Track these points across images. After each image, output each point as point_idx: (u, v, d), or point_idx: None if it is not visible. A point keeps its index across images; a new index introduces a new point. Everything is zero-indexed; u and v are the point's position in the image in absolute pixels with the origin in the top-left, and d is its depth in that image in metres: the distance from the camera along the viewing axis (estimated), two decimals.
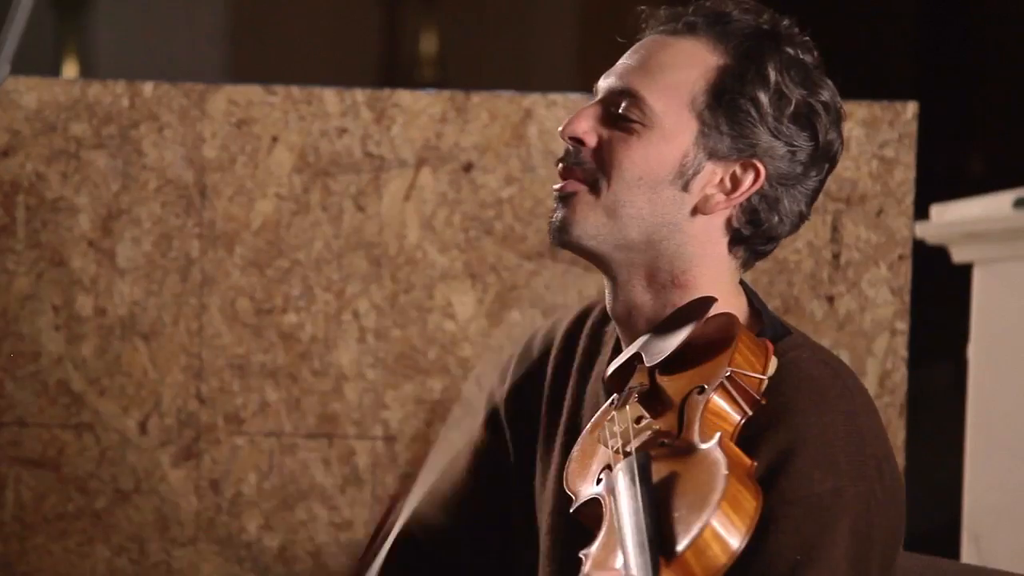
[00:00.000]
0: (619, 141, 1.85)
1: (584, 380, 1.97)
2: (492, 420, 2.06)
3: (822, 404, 1.79)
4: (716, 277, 1.88)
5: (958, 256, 3.43)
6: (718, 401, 1.74)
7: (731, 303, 1.87)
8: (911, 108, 3.05)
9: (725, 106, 1.84)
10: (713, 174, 1.85)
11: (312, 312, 3.11)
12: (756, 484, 1.65)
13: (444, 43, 7.08)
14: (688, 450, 1.70)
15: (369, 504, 3.11)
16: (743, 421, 1.74)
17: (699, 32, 1.87)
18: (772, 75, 1.84)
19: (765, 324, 1.88)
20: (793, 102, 1.84)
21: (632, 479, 1.66)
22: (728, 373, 1.74)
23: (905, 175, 3.05)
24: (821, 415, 1.78)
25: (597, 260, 1.89)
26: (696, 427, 1.71)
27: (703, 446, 1.68)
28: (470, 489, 2.05)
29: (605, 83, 1.89)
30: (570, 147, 1.88)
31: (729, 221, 1.87)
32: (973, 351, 3.40)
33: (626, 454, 1.72)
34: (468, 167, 3.10)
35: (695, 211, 1.86)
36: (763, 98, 1.83)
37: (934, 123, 3.35)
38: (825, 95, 1.87)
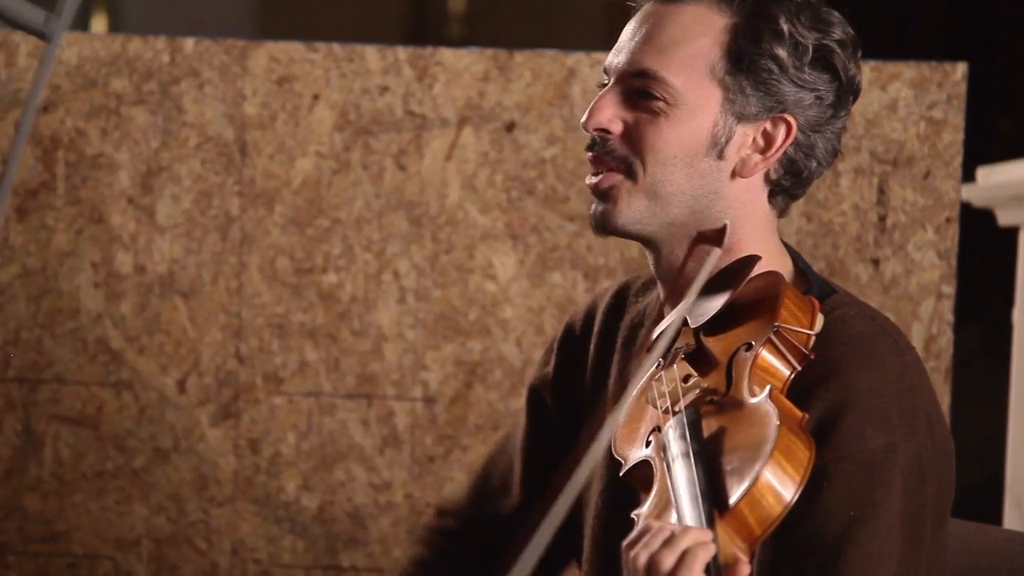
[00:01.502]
0: (647, 123, 1.83)
1: (628, 353, 1.96)
2: (534, 401, 2.05)
3: (872, 360, 1.77)
4: (760, 237, 1.86)
5: (1004, 219, 3.40)
6: (766, 356, 1.72)
7: (775, 263, 1.85)
8: (960, 69, 3.01)
9: (746, 68, 1.82)
10: (745, 136, 1.83)
11: (352, 272, 3.09)
12: (808, 435, 1.63)
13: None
14: (738, 406, 1.68)
15: (408, 465, 3.10)
16: (792, 376, 1.72)
17: None
18: (785, 26, 1.81)
19: (811, 283, 1.86)
20: (810, 48, 1.82)
21: (683, 435, 1.65)
22: (775, 328, 1.72)
23: (953, 137, 3.01)
24: (871, 371, 1.76)
25: (643, 240, 1.87)
26: (745, 383, 1.69)
27: (753, 400, 1.67)
28: (522, 474, 2.04)
29: (615, 61, 1.86)
30: (596, 137, 1.85)
31: (767, 176, 1.86)
32: (1018, 314, 3.37)
33: (675, 413, 1.70)
34: (510, 126, 3.07)
35: (734, 175, 1.84)
36: (781, 52, 1.81)
37: (980, 85, 3.31)
38: (837, 31, 1.84)
